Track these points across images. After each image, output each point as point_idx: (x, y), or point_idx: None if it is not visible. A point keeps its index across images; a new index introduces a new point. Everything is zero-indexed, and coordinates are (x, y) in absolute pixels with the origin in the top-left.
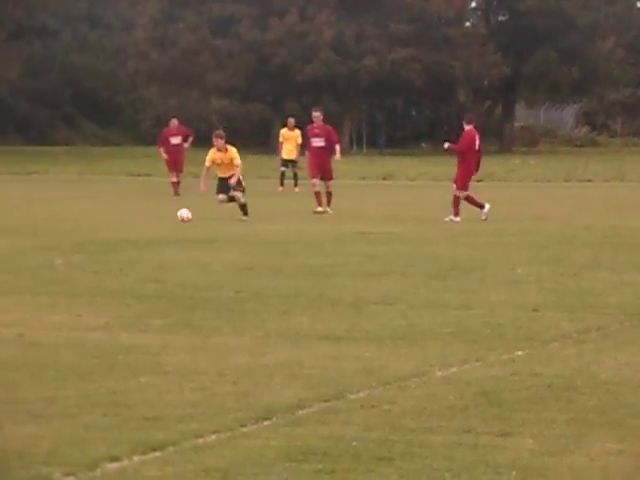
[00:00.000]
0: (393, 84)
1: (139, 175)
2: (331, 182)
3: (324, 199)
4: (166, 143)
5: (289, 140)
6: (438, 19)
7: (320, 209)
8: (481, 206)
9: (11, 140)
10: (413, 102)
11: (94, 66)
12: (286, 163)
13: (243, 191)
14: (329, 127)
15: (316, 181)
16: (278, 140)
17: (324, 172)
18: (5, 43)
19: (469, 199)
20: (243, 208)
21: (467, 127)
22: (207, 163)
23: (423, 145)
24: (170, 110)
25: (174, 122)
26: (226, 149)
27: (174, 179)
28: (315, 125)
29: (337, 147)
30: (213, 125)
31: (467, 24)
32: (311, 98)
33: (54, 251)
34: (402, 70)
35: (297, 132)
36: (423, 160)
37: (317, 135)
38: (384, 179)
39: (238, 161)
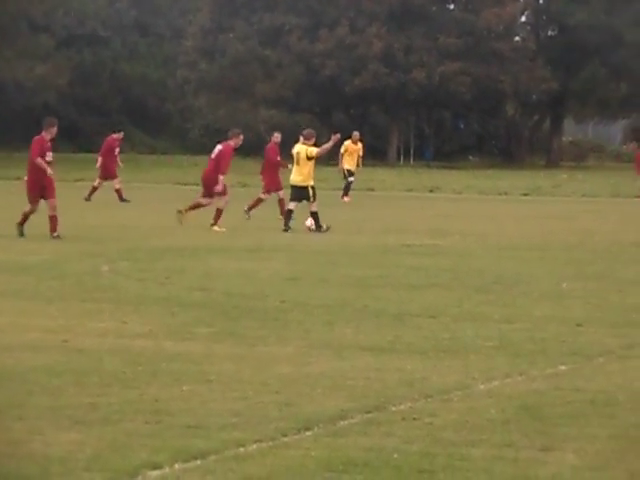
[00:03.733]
0: (441, 97)
1: (186, 184)
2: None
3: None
4: None
5: (351, 153)
6: (488, 33)
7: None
8: None
9: (59, 147)
10: (461, 115)
11: (143, 74)
12: (351, 173)
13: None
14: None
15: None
16: (340, 151)
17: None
18: (55, 51)
19: None
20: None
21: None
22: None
23: (471, 158)
24: (218, 119)
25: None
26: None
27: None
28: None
29: None
30: (261, 135)
31: (516, 38)
32: (359, 110)
33: (100, 258)
34: (451, 83)
35: (359, 145)
36: (470, 173)
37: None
38: (430, 191)
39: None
